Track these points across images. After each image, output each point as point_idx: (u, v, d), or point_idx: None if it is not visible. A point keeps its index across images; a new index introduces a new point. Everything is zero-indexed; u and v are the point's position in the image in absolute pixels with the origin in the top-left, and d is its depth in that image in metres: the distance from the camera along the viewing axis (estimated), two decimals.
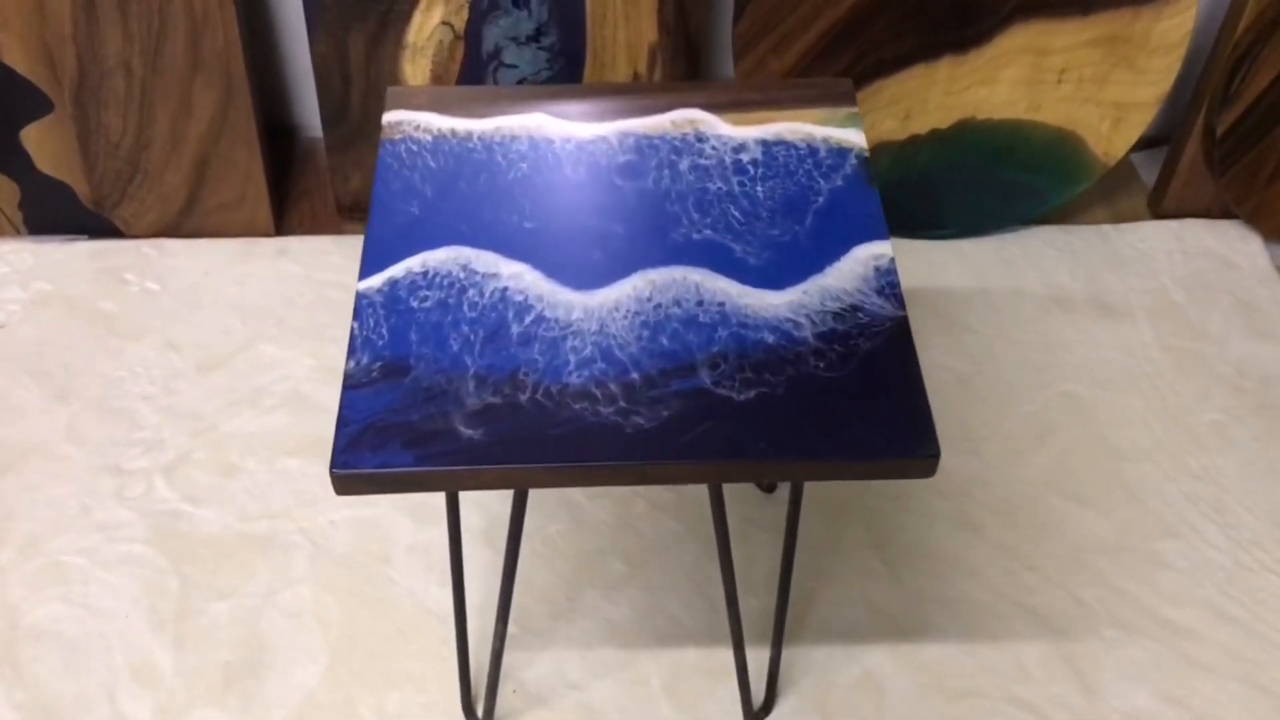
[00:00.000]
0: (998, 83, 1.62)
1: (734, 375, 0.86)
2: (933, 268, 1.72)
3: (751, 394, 0.85)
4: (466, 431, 0.83)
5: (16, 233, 1.67)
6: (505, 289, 0.91)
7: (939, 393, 1.57)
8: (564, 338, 0.88)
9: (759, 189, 0.98)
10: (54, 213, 1.65)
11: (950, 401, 1.56)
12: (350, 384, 0.85)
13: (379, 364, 0.86)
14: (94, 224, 1.66)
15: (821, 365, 0.86)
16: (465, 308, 0.90)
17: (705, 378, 0.86)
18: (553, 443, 0.82)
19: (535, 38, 1.53)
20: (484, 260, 0.93)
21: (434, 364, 0.86)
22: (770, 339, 0.88)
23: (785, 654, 1.33)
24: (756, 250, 0.93)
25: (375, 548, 1.39)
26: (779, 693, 1.30)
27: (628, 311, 0.90)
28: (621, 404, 0.84)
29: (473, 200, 0.97)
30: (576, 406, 0.84)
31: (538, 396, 0.85)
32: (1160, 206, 1.80)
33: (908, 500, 1.46)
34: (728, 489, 1.45)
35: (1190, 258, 1.75)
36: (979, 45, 1.58)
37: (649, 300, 0.90)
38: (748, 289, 0.91)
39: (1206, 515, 1.46)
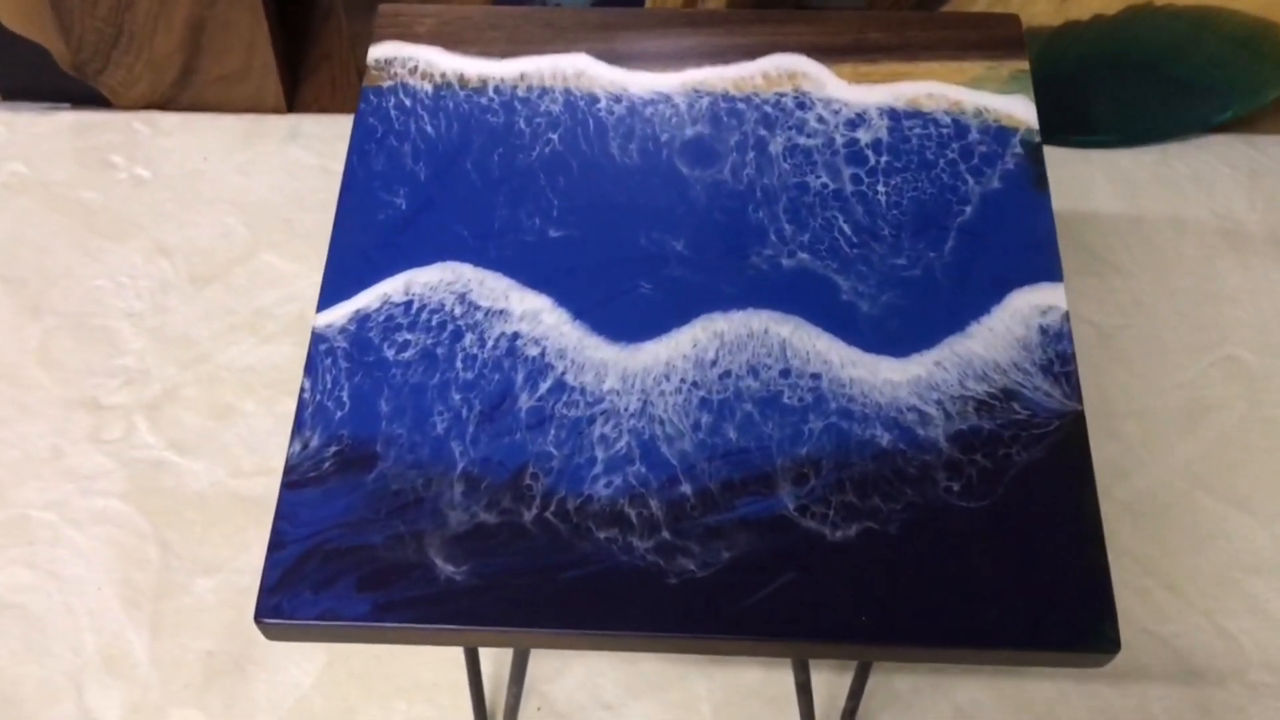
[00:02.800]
0: None
1: (828, 496, 0.60)
2: (1077, 185, 1.41)
3: (852, 531, 0.59)
4: (446, 568, 0.59)
5: None
6: (516, 335, 0.65)
7: (1077, 349, 1.28)
8: (591, 419, 0.63)
9: (881, 189, 0.69)
10: (30, 78, 1.40)
11: (1087, 364, 1.28)
12: (292, 480, 0.61)
13: (334, 449, 0.62)
14: (78, 91, 1.41)
15: (956, 488, 0.60)
16: (459, 363, 0.64)
17: (787, 498, 0.60)
18: (564, 594, 0.58)
19: None
20: (490, 288, 0.67)
21: (410, 453, 0.62)
22: (885, 439, 0.62)
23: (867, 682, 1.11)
24: (872, 289, 0.66)
25: None
26: None
27: (682, 382, 0.64)
28: (665, 535, 0.59)
29: (482, 190, 0.70)
30: (601, 536, 0.60)
31: (548, 515, 0.60)
32: None
33: None
34: None
35: None
36: None
37: (714, 365, 0.64)
38: (856, 353, 0.64)
39: None
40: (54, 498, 1.19)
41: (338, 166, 1.39)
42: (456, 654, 1.11)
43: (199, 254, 1.34)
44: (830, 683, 1.10)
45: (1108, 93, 1.38)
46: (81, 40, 1.34)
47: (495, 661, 1.11)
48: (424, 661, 1.11)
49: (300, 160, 1.40)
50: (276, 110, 1.42)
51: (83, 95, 1.41)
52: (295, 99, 1.44)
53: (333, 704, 1.09)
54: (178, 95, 1.40)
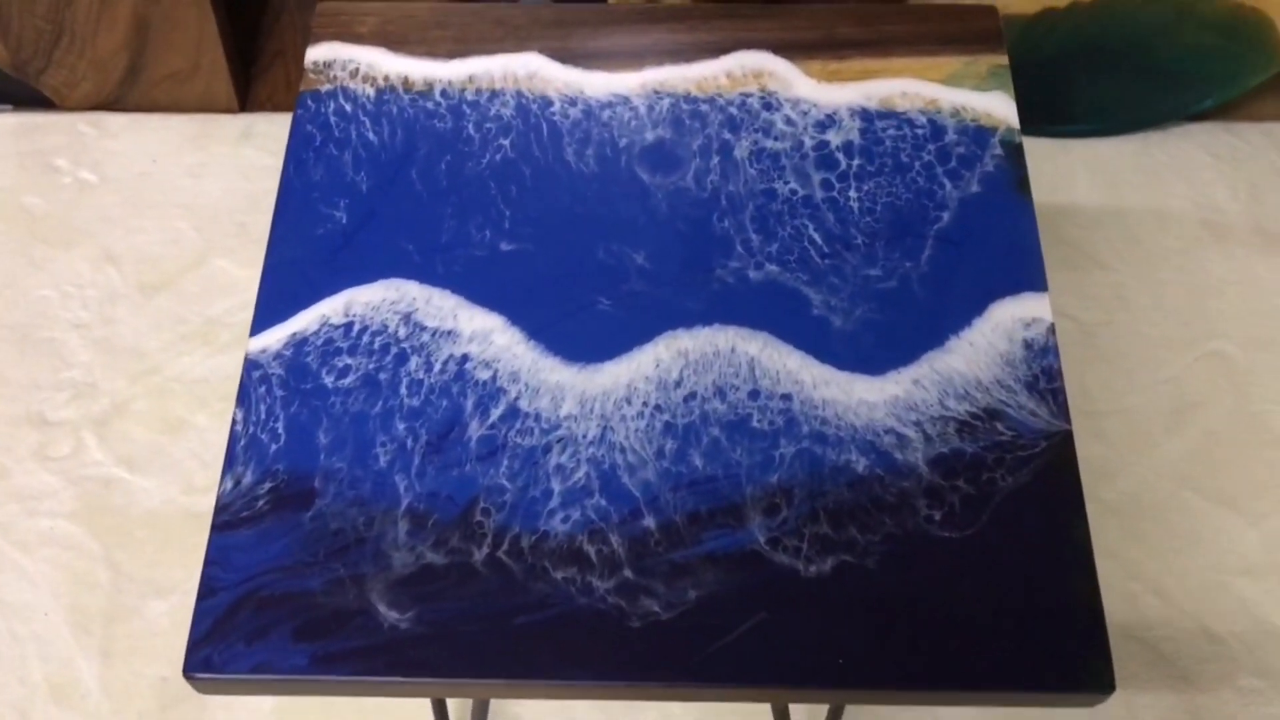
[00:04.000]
0: None
1: (801, 528, 0.56)
2: (1056, 176, 1.37)
3: (827, 565, 0.55)
4: (389, 615, 0.54)
5: None
6: (465, 358, 0.61)
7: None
8: (547, 448, 0.58)
9: (853, 194, 0.65)
10: None
11: (1069, 362, 1.24)
12: (224, 520, 0.57)
13: (268, 485, 0.58)
14: (19, 92, 1.35)
15: (937, 517, 0.56)
16: (404, 389, 0.60)
17: (757, 530, 0.56)
18: (518, 642, 0.54)
19: None
20: (437, 306, 0.62)
21: (350, 489, 0.58)
22: (861, 465, 0.58)
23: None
24: (844, 303, 0.62)
25: None
26: None
27: (645, 405, 0.59)
28: (627, 574, 0.55)
29: (428, 201, 0.65)
30: (558, 576, 0.55)
31: (500, 554, 0.56)
32: None
33: None
34: None
35: None
36: None
37: (678, 386, 0.60)
38: (830, 372, 0.60)
39: None
40: (1, 518, 1.14)
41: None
42: None
43: (148, 261, 1.28)
44: (811, 710, 1.06)
45: (1086, 81, 1.35)
46: (20, 39, 1.29)
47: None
48: None
49: (254, 161, 1.35)
50: (228, 110, 1.37)
51: (25, 97, 1.36)
52: (248, 98, 1.39)
53: None
54: (124, 95, 1.35)
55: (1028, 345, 0.61)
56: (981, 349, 0.61)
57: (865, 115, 0.68)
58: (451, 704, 1.05)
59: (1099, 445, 1.20)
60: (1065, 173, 1.37)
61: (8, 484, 1.16)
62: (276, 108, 1.38)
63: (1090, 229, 1.33)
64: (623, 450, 0.58)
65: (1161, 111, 1.38)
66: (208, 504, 1.15)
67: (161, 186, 1.33)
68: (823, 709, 1.00)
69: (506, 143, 0.67)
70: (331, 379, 0.60)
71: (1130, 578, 1.14)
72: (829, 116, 0.68)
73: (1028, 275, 0.63)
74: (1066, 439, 0.58)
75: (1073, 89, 1.35)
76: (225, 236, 1.30)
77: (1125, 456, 1.20)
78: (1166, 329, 1.27)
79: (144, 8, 1.26)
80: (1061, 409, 0.59)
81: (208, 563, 0.56)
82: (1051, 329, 0.61)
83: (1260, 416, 1.22)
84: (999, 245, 0.63)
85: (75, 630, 1.09)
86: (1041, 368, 0.60)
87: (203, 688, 0.54)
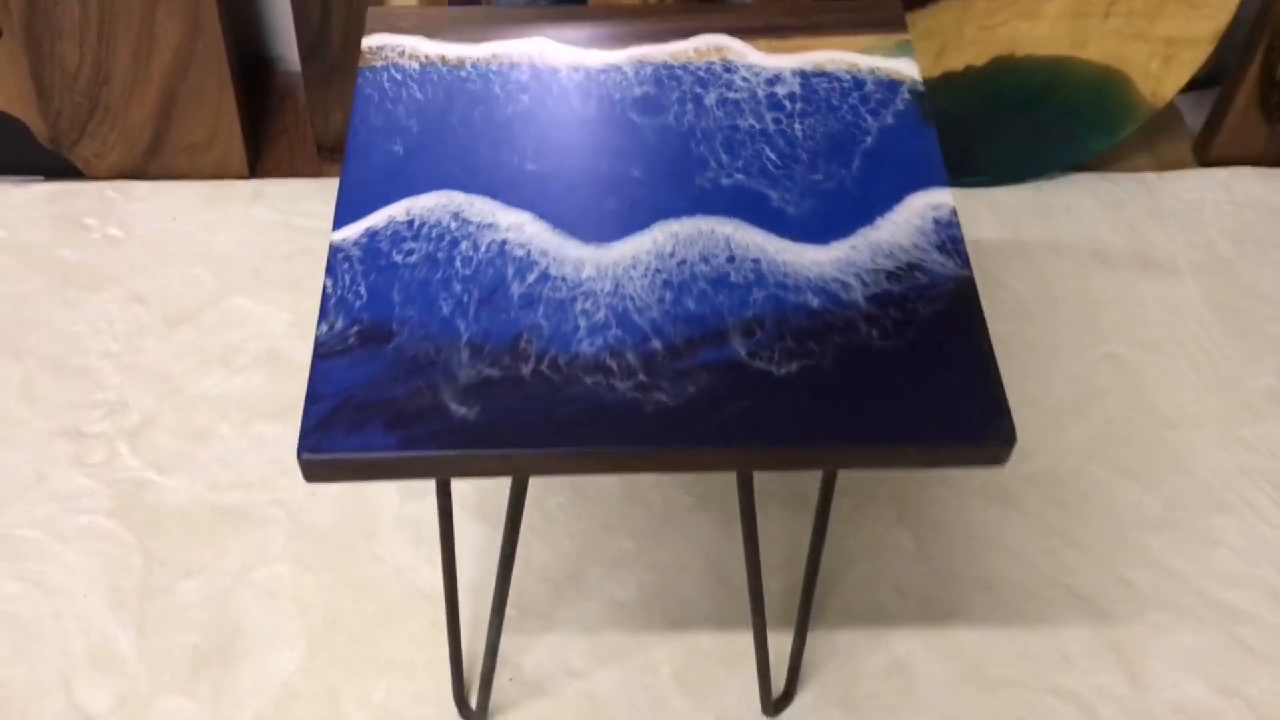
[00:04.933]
0: (1039, 16, 1.48)
1: (772, 345, 0.73)
2: (965, 218, 1.59)
3: (793, 367, 0.72)
4: (459, 410, 0.70)
5: None
6: (504, 242, 0.78)
7: None
8: (573, 299, 0.75)
9: (797, 127, 0.84)
10: (7, 151, 1.51)
11: None
12: (322, 352, 0.72)
13: (356, 328, 0.74)
14: (52, 163, 1.52)
15: (875, 333, 0.74)
16: (458, 263, 0.77)
17: (739, 347, 0.73)
18: (560, 424, 0.70)
19: None
20: (479, 208, 0.80)
21: (421, 329, 0.74)
22: (814, 302, 0.75)
23: (807, 639, 1.22)
24: (795, 198, 0.80)
25: (359, 522, 1.27)
26: (800, 681, 1.19)
27: (647, 269, 0.77)
28: (641, 378, 0.72)
29: (466, 138, 0.84)
30: (588, 381, 0.72)
31: (542, 369, 0.72)
32: (1207, 153, 1.66)
33: (938, 470, 1.34)
34: None
35: (1240, 209, 1.62)
36: None
37: (672, 256, 0.77)
38: (786, 243, 0.78)
39: (1261, 489, 1.35)
40: (40, 517, 1.26)
41: (301, 221, 1.52)
42: (432, 632, 1.19)
43: (171, 300, 1.44)
44: (777, 644, 1.20)
45: (984, 137, 1.58)
46: (60, 113, 1.47)
47: (471, 639, 1.19)
48: (403, 643, 1.19)
49: (264, 218, 1.52)
50: (240, 176, 1.55)
51: (56, 168, 1.53)
52: (257, 167, 1.57)
53: (316, 685, 1.16)
54: (148, 164, 1.53)
55: (936, 221, 0.79)
56: (901, 224, 0.79)
57: (803, 75, 0.88)
58: (465, 653, 1.17)
59: (1017, 430, 1.38)
60: (971, 214, 1.59)
61: (47, 487, 1.28)
62: (283, 174, 1.57)
63: (995, 258, 1.55)
64: (632, 299, 0.75)
65: (1049, 163, 1.61)
66: (232, 499, 1.28)
67: (181, 240, 1.50)
68: (788, 641, 1.14)
69: (526, 98, 0.86)
70: (400, 257, 0.77)
71: (1051, 535, 1.30)
72: (775, 76, 0.88)
73: (935, 177, 0.82)
74: (969, 281, 0.76)
75: (973, 144, 1.59)
76: (240, 279, 1.46)
77: (1038, 439, 1.38)
78: (1066, 336, 1.47)
79: (172, 83, 1.45)
80: (965, 262, 0.77)
81: (311, 381, 0.71)
82: (954, 211, 0.79)
83: (1151, 405, 1.41)
84: (911, 157, 0.83)
85: (112, 607, 1.20)
86: (948, 235, 0.79)
87: (310, 470, 0.69)
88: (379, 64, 0.88)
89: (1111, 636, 1.23)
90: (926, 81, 1.52)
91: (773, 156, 0.82)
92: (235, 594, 1.22)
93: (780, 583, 1.26)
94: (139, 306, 1.43)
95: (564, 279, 0.76)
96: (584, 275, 0.76)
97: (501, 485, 1.29)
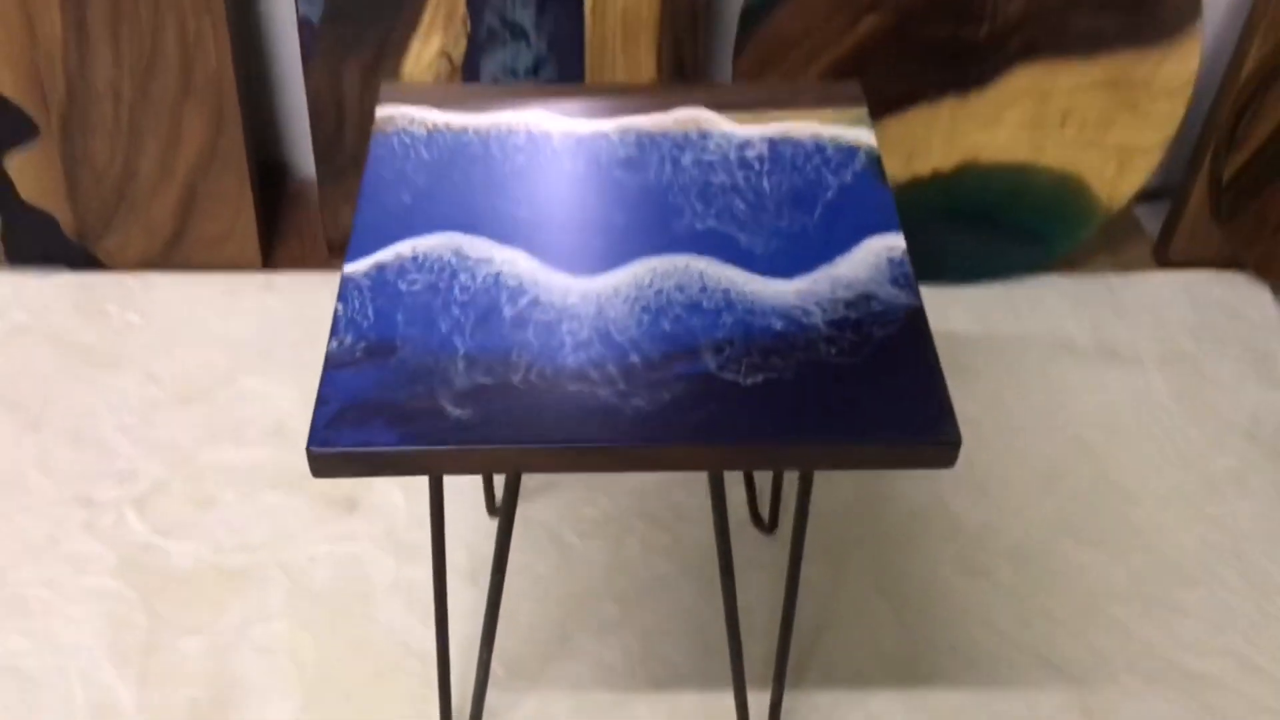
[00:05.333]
0: (1000, 125, 1.60)
1: (740, 360, 0.81)
2: (936, 312, 1.68)
3: (759, 379, 0.80)
4: (455, 411, 0.77)
5: None
6: (499, 273, 0.86)
7: None
8: (560, 321, 0.83)
9: (765, 183, 0.94)
10: (36, 243, 1.61)
11: None
12: (332, 364, 0.80)
13: (363, 344, 0.81)
14: (77, 256, 1.62)
15: (834, 351, 0.81)
16: (456, 291, 0.85)
17: (710, 362, 0.81)
18: (546, 423, 0.77)
19: (534, 70, 1.51)
20: (477, 246, 0.88)
21: (421, 345, 0.81)
22: (778, 325, 0.83)
23: (787, 699, 1.25)
24: (763, 240, 0.89)
25: (356, 585, 1.32)
26: None
27: (627, 297, 0.85)
28: (621, 386, 0.79)
29: (467, 190, 0.93)
30: (572, 388, 0.79)
31: (531, 378, 0.80)
32: (1166, 257, 1.77)
33: (914, 543, 1.40)
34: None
35: (1199, 308, 1.72)
36: (981, 86, 1.57)
37: (650, 286, 0.86)
38: (754, 277, 0.87)
39: (1227, 562, 1.40)
40: (49, 577, 1.31)
41: (311, 311, 1.61)
42: (423, 689, 1.23)
43: (184, 379, 1.52)
44: (757, 703, 1.24)
45: (952, 240, 1.69)
46: (88, 207, 1.57)
47: (461, 689, 1.23)
48: (394, 699, 1.22)
49: (276, 307, 1.61)
50: (254, 268, 1.64)
51: (80, 259, 1.62)
52: (269, 261, 1.67)
53: None
54: (167, 256, 1.62)
55: (890, 260, 0.88)
56: (858, 263, 0.88)
57: (771, 141, 0.98)
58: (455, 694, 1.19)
59: (986, 505, 1.45)
60: (942, 309, 1.69)
61: (57, 550, 1.34)
62: (294, 269, 1.66)
63: (966, 349, 1.63)
64: (613, 321, 0.83)
65: (1015, 265, 1.71)
66: (235, 562, 1.34)
67: (196, 326, 1.59)
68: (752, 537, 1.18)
69: (521, 158, 0.96)
70: (404, 286, 0.85)
71: (1021, 604, 1.35)
72: (746, 141, 0.98)
73: (889, 224, 0.91)
74: (919, 310, 0.84)
75: (942, 247, 1.69)
76: (252, 361, 1.55)
77: (1007, 514, 1.44)
78: (1033, 419, 1.55)
79: (194, 179, 1.56)
80: (915, 294, 0.85)
81: (322, 387, 0.78)
82: (905, 252, 0.88)
83: (1117, 483, 1.48)
84: (868, 208, 0.92)
85: (115, 662, 1.24)
86: (900, 272, 0.87)
87: (318, 463, 0.75)
88: (390, 130, 0.98)
89: (1083, 701, 1.27)
90: (896, 184, 1.64)
91: (742, 206, 0.91)
92: (234, 650, 1.26)
93: (761, 647, 1.30)
94: (153, 385, 1.51)
95: (552, 304, 0.84)
96: (570, 301, 0.84)
97: (490, 550, 1.34)
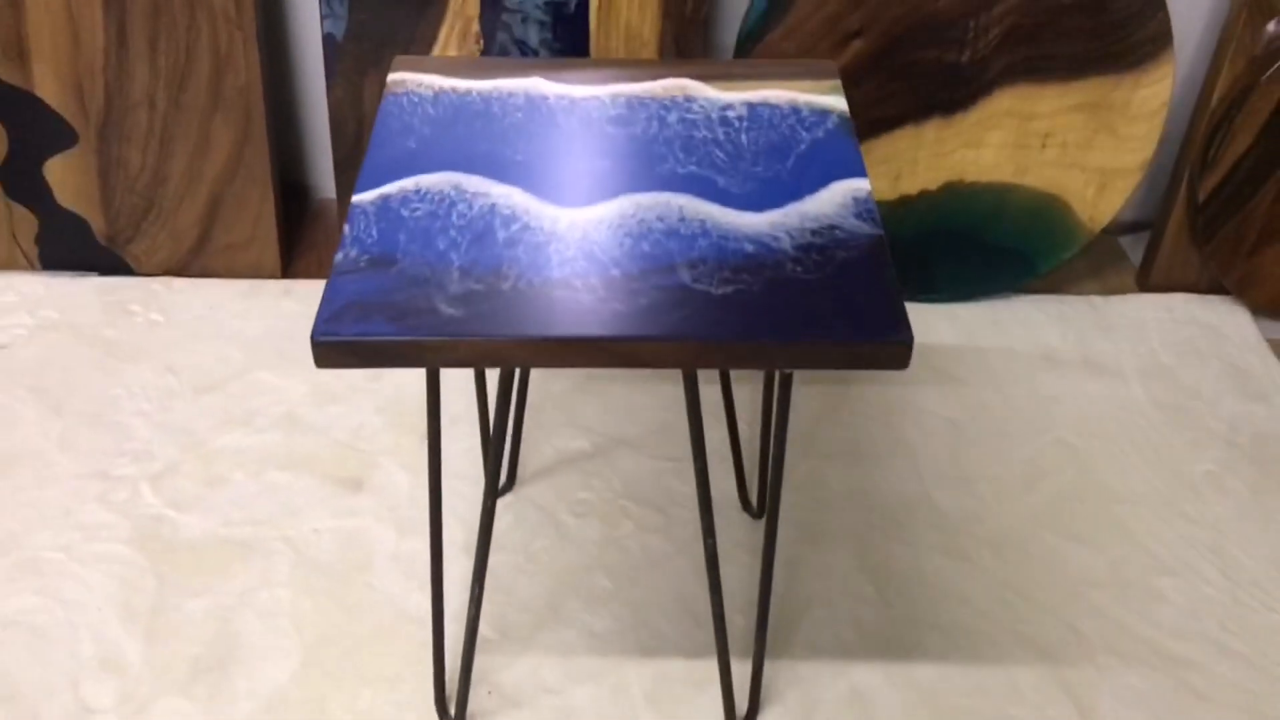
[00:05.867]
0: (984, 146, 1.68)
1: (712, 275, 0.88)
2: (923, 326, 1.74)
3: (729, 289, 0.86)
4: (448, 310, 0.84)
5: (30, 267, 1.71)
6: (494, 204, 0.94)
7: (932, 435, 1.57)
8: (548, 243, 0.90)
9: (744, 137, 1.02)
10: (68, 248, 1.70)
11: (943, 443, 1.56)
12: (337, 272, 0.87)
13: (366, 257, 0.89)
14: (106, 261, 1.71)
15: (799, 270, 0.88)
16: (454, 217, 0.92)
17: (684, 276, 0.88)
18: (532, 320, 0.83)
19: None
20: (475, 183, 0.96)
21: (420, 258, 0.89)
22: (749, 248, 0.90)
23: (771, 668, 1.29)
24: (739, 182, 0.97)
25: (357, 556, 1.37)
26: (763, 704, 1.26)
27: (611, 224, 0.92)
28: (601, 294, 0.86)
29: (468, 139, 1.01)
30: (556, 294, 0.86)
31: (519, 285, 0.86)
32: (1148, 281, 1.83)
33: (900, 531, 1.44)
34: (715, 507, 1.44)
35: (1180, 326, 1.78)
36: (965, 108, 1.66)
37: (633, 216, 0.93)
38: (729, 211, 0.94)
39: (1204, 556, 1.44)
40: (63, 542, 1.37)
41: None
42: (418, 651, 1.27)
43: (201, 372, 1.59)
44: (740, 672, 1.27)
45: (939, 259, 1.76)
46: (119, 212, 1.66)
47: (454, 653, 1.27)
48: (390, 659, 1.27)
49: (293, 310, 1.69)
50: (273, 275, 1.72)
51: (109, 265, 1.71)
52: (288, 270, 1.75)
53: (306, 693, 1.24)
54: (191, 262, 1.71)
55: (855, 199, 0.95)
56: (826, 201, 0.95)
57: (750, 105, 1.06)
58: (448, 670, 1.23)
59: (972, 500, 1.49)
60: (930, 324, 1.75)
61: (72, 519, 1.40)
62: (312, 277, 1.74)
63: (953, 360, 1.69)
64: (597, 243, 0.90)
65: (999, 284, 1.78)
66: (242, 534, 1.39)
67: (215, 325, 1.66)
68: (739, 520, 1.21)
69: (519, 114, 1.04)
70: (406, 212, 0.93)
71: (1003, 587, 1.39)
72: (727, 104, 1.06)
73: (857, 171, 0.98)
74: (881, 239, 0.91)
75: (929, 266, 1.76)
76: (266, 357, 1.62)
77: (993, 508, 1.48)
78: (1018, 424, 1.60)
79: (219, 187, 1.65)
80: (878, 226, 0.92)
81: (326, 290, 0.85)
82: (870, 194, 0.95)
83: (1099, 483, 1.52)
84: (837, 159, 0.99)
85: (123, 620, 1.29)
86: (865, 208, 0.94)
87: (321, 352, 0.82)
88: (400, 91, 1.06)
89: (1062, 676, 1.30)
90: (883, 204, 1.71)
91: (721, 156, 0.99)
92: (238, 613, 1.30)
93: (747, 621, 1.34)
94: (171, 376, 1.58)
95: (541, 229, 0.91)
96: (559, 228, 0.92)
97: (506, 541, 1.39)
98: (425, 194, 0.95)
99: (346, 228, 0.91)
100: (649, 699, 1.26)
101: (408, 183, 0.96)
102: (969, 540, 1.44)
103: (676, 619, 1.33)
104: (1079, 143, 1.68)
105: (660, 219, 0.92)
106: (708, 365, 0.83)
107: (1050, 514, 1.48)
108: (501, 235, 0.91)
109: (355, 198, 0.94)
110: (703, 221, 0.92)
